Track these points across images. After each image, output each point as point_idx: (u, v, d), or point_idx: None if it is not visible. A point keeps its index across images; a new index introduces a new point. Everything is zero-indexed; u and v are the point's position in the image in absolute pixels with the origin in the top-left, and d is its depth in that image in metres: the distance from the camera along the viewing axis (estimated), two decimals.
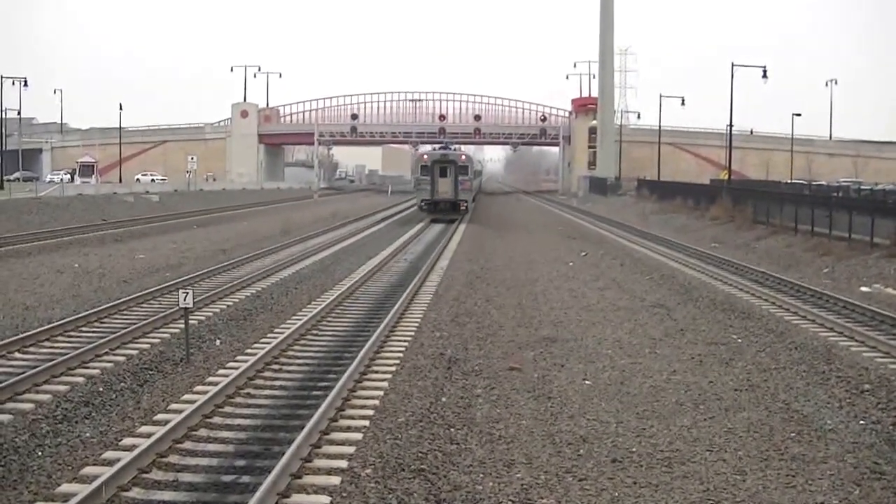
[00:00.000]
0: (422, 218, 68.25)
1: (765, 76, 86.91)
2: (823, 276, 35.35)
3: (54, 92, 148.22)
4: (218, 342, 21.59)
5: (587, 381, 18.25)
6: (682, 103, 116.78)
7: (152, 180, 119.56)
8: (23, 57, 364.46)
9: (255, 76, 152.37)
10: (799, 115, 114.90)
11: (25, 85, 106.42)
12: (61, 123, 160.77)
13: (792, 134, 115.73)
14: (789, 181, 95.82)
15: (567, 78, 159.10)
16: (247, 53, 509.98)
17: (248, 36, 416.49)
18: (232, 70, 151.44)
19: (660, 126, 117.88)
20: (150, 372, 18.49)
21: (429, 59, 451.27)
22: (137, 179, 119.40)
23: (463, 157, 76.97)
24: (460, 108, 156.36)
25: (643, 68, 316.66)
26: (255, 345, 21.14)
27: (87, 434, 14.36)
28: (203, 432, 14.34)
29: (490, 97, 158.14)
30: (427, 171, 73.11)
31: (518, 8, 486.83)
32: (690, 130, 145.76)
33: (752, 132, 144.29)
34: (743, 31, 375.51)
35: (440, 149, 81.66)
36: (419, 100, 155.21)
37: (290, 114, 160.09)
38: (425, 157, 77.06)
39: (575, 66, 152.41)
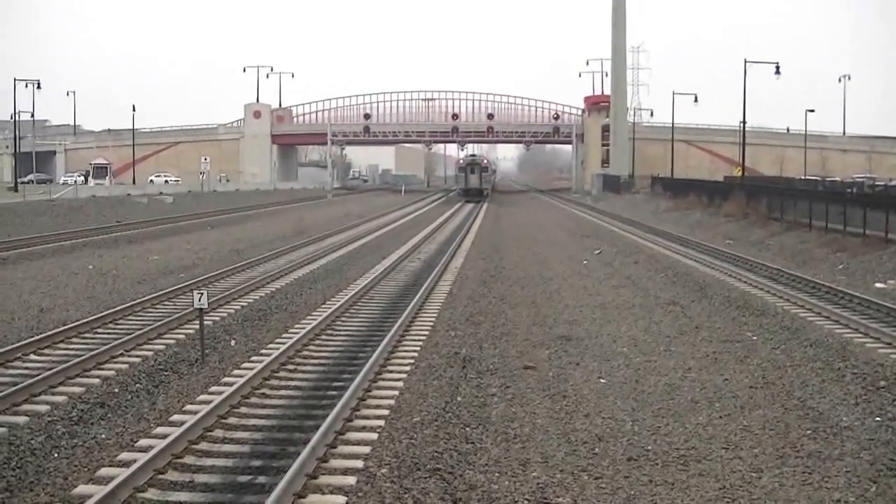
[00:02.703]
0: (441, 212, 70.09)
1: (777, 72, 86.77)
2: (838, 273, 35.26)
3: (67, 94, 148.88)
4: (233, 342, 21.62)
5: (602, 380, 18.23)
6: (696, 100, 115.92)
7: (166, 181, 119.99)
8: (35, 60, 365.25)
9: (267, 76, 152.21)
10: (812, 111, 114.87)
11: (38, 87, 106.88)
12: (74, 125, 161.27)
13: (805, 130, 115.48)
14: (803, 178, 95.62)
15: (580, 76, 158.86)
16: (259, 54, 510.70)
17: (260, 37, 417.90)
18: (244, 70, 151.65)
19: (673, 123, 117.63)
20: (165, 373, 18.51)
21: (441, 58, 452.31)
22: (151, 181, 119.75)
23: (485, 161, 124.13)
24: (473, 107, 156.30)
25: (656, 66, 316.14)
26: (270, 345, 21.17)
27: (103, 435, 14.39)
28: (218, 433, 14.35)
29: (503, 95, 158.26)
30: (462, 171, 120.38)
31: (530, 6, 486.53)
32: (703, 127, 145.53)
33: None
34: (755, 29, 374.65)
35: (469, 156, 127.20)
36: (432, 99, 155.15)
37: (303, 114, 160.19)
38: (461, 161, 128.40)
39: (588, 63, 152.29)
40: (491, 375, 18.49)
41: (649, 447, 13.90)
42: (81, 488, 12.06)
